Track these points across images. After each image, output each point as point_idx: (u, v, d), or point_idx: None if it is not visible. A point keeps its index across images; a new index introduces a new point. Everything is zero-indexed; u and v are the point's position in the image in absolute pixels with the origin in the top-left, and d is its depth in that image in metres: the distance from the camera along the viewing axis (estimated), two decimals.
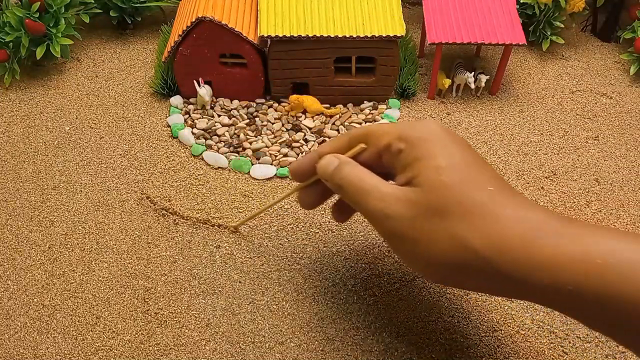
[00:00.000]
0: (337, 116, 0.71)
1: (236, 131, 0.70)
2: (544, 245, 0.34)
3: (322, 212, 0.61)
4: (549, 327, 0.51)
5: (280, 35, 0.66)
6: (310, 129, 0.69)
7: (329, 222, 0.60)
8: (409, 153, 0.39)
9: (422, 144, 0.39)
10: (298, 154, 0.67)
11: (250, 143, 0.68)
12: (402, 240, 0.39)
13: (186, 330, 0.51)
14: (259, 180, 0.65)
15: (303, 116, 0.71)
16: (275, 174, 0.65)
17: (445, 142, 0.39)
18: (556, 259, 0.33)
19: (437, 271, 0.38)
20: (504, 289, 0.37)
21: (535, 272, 0.33)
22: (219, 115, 0.71)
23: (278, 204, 0.60)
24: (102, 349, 0.50)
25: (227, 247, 0.58)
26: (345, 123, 0.70)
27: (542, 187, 0.64)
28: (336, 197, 0.52)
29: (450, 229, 0.36)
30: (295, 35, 0.66)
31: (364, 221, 0.60)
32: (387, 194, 0.39)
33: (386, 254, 0.57)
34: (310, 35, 0.66)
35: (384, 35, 0.67)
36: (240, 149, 0.68)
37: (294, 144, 0.68)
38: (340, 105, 0.73)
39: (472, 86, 0.72)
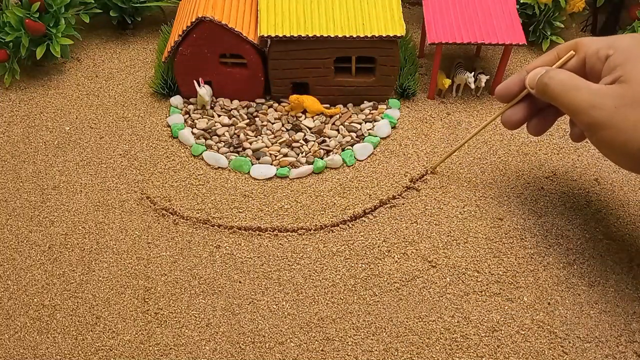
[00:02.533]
0: (337, 116, 0.71)
1: (236, 131, 0.70)
2: None
3: (321, 213, 0.61)
4: (549, 327, 0.51)
5: (280, 35, 0.66)
6: (310, 129, 0.69)
7: (329, 222, 0.60)
8: (617, 57, 0.46)
9: (631, 49, 0.45)
10: (298, 154, 0.67)
11: (250, 143, 0.68)
12: (605, 128, 0.44)
13: (186, 330, 0.51)
14: (259, 180, 0.65)
15: (303, 116, 0.71)
16: (275, 174, 0.65)
17: None
18: None
19: (633, 159, 0.44)
20: None
21: None
22: (219, 115, 0.71)
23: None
24: (102, 349, 0.50)
25: (227, 247, 0.58)
26: (345, 123, 0.70)
27: (542, 187, 0.64)
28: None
29: None
30: (295, 35, 0.66)
31: (364, 221, 0.60)
32: (596, 87, 0.45)
33: (386, 254, 0.57)
34: (310, 35, 0.66)
35: (384, 35, 0.67)
36: (240, 149, 0.68)
37: (294, 144, 0.68)
38: (340, 105, 0.73)
39: (472, 86, 0.72)
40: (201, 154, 0.67)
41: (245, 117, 0.71)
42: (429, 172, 0.63)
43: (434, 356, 0.50)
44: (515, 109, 0.55)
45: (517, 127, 0.56)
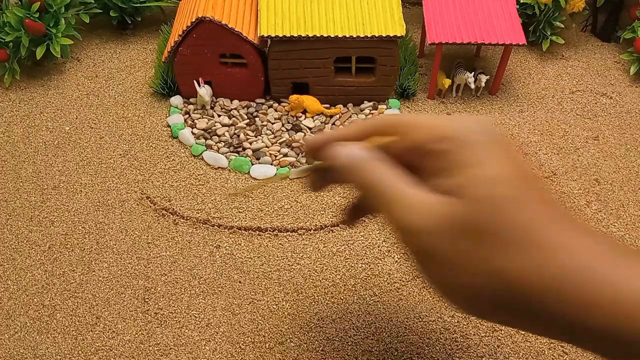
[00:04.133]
0: (337, 116, 0.71)
1: (236, 131, 0.70)
2: (606, 283, 0.28)
3: (321, 213, 0.61)
4: None
5: (280, 35, 0.66)
6: (310, 129, 0.69)
7: (329, 222, 0.60)
8: (453, 156, 0.33)
9: (471, 147, 0.32)
10: (298, 154, 0.67)
11: (250, 143, 0.68)
12: (432, 259, 0.32)
13: (186, 330, 0.51)
14: (259, 180, 0.65)
15: (303, 116, 0.71)
16: (275, 174, 0.65)
17: (497, 148, 0.33)
18: (620, 302, 0.27)
19: (469, 302, 0.32)
20: (551, 331, 0.30)
21: (592, 315, 0.28)
22: (219, 115, 0.71)
23: (274, 184, 0.53)
24: (102, 349, 0.50)
25: (227, 247, 0.58)
26: (345, 123, 0.70)
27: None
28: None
29: (493, 255, 0.30)
30: (295, 35, 0.66)
31: (364, 221, 0.60)
32: (421, 203, 0.32)
33: (386, 254, 0.57)
34: (310, 35, 0.66)
35: (384, 35, 0.67)
36: (240, 149, 0.68)
37: (294, 144, 0.68)
38: (340, 105, 0.73)
39: (472, 86, 0.72)
40: (201, 154, 0.67)
41: (245, 117, 0.71)
42: (229, 195, 0.53)
43: (434, 356, 0.50)
44: (320, 171, 0.41)
45: (321, 190, 0.44)
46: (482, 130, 0.33)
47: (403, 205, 0.33)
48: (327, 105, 0.72)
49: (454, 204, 0.31)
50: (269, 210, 0.61)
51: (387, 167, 0.35)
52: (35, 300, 0.54)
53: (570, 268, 0.28)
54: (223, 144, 0.68)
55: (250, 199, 0.62)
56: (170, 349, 0.50)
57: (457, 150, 0.33)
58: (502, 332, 0.51)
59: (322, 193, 0.63)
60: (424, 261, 0.33)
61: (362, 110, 0.72)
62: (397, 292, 0.54)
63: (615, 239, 0.31)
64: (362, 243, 0.58)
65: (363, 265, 0.56)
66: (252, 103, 0.73)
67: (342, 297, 0.54)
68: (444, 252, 0.31)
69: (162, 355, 0.50)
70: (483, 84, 0.73)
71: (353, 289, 0.54)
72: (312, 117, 0.71)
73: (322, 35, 0.66)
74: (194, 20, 0.66)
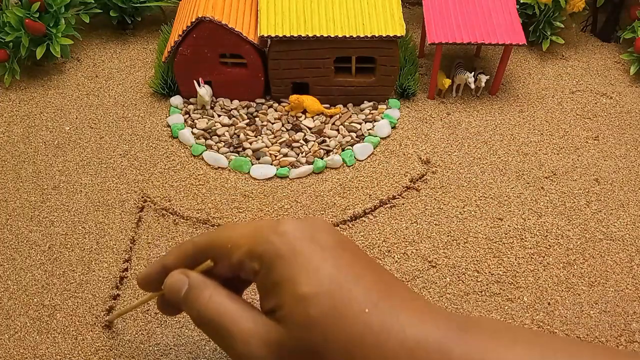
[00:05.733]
0: (337, 116, 0.71)
1: (236, 131, 0.70)
2: None
3: (321, 213, 0.61)
4: (549, 327, 0.51)
5: (280, 35, 0.66)
6: (310, 129, 0.69)
7: (329, 222, 0.60)
8: (265, 276, 0.32)
9: (279, 263, 0.31)
10: (298, 154, 0.67)
11: (250, 143, 0.68)
12: None
13: (186, 330, 0.51)
14: (259, 180, 0.65)
15: (303, 116, 0.71)
16: (275, 174, 0.65)
17: (309, 256, 0.31)
18: None
19: None
20: None
21: None
22: (219, 115, 0.71)
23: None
24: (102, 349, 0.50)
25: None
26: (345, 123, 0.70)
27: (542, 187, 0.64)
28: None
29: None
30: (295, 35, 0.66)
31: (364, 221, 0.60)
32: (250, 335, 0.31)
33: (386, 254, 0.57)
34: (310, 35, 0.66)
35: (384, 35, 0.67)
36: (240, 149, 0.68)
37: (294, 144, 0.68)
38: (340, 105, 0.73)
39: (472, 86, 0.72)
40: (201, 154, 0.67)
41: (245, 117, 0.71)
42: (108, 322, 0.51)
43: None
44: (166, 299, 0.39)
45: (177, 314, 0.45)
46: (290, 238, 0.31)
47: (237, 340, 0.32)
48: (327, 105, 0.72)
49: (278, 330, 0.30)
50: (269, 210, 0.61)
51: (216, 296, 0.34)
52: (35, 300, 0.54)
53: None
54: (223, 144, 0.68)
55: (250, 198, 0.62)
56: (170, 349, 0.50)
57: (269, 270, 0.31)
58: None
59: (322, 193, 0.63)
60: None
61: (362, 110, 0.72)
62: None
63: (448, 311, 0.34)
64: (362, 243, 0.58)
65: None
66: (252, 103, 0.73)
67: None
68: None
69: (162, 355, 0.50)
70: (483, 84, 0.73)
71: None
72: (312, 117, 0.71)
73: (322, 35, 0.66)
74: (194, 20, 0.66)
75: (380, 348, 0.28)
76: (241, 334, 0.32)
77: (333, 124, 0.70)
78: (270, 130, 0.70)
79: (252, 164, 0.66)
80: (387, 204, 0.62)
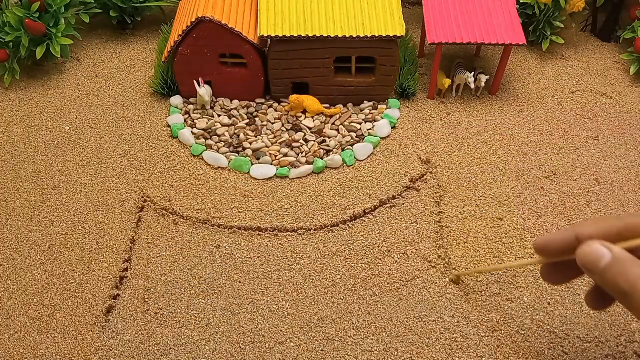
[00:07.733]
0: (337, 116, 0.71)
1: (236, 131, 0.70)
2: None
3: (321, 213, 0.61)
4: (549, 327, 0.51)
5: (280, 35, 0.66)
6: (310, 129, 0.69)
7: (329, 222, 0.60)
8: None
9: None
10: (298, 154, 0.67)
11: (250, 143, 0.68)
12: None
13: (186, 330, 0.51)
14: (259, 180, 0.65)
15: (303, 116, 0.71)
16: (275, 174, 0.65)
17: None
18: None
19: None
20: None
21: None
22: (219, 115, 0.71)
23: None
24: (102, 349, 0.50)
25: (227, 247, 0.58)
26: (345, 123, 0.70)
27: (542, 187, 0.64)
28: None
29: None
30: (295, 35, 0.66)
31: (364, 221, 0.60)
32: None
33: (386, 254, 0.57)
34: (310, 35, 0.66)
35: (384, 35, 0.67)
36: (240, 149, 0.68)
37: (294, 144, 0.68)
38: (340, 105, 0.73)
39: (472, 86, 0.72)
40: (201, 154, 0.67)
41: (245, 117, 0.71)
42: (451, 279, 0.54)
43: (434, 356, 0.50)
44: (557, 266, 0.42)
45: (560, 284, 0.48)
46: None
47: None
48: (327, 105, 0.72)
49: None
50: (269, 210, 0.61)
51: None
52: (35, 300, 0.54)
53: None
54: (223, 144, 0.68)
55: (250, 198, 0.62)
56: (170, 349, 0.50)
57: None
58: (502, 332, 0.51)
59: (322, 193, 0.63)
60: None
61: (362, 110, 0.72)
62: (397, 292, 0.54)
63: None
64: (362, 243, 0.58)
65: (363, 265, 0.56)
66: (252, 103, 0.73)
67: (342, 297, 0.54)
68: None
69: (162, 355, 0.50)
70: (483, 84, 0.73)
71: (353, 289, 0.54)
72: (312, 117, 0.71)
73: (322, 35, 0.66)
74: (194, 20, 0.66)
75: None
76: None
77: (333, 124, 0.70)
78: (270, 130, 0.70)
79: (252, 164, 0.66)
80: (387, 204, 0.62)
